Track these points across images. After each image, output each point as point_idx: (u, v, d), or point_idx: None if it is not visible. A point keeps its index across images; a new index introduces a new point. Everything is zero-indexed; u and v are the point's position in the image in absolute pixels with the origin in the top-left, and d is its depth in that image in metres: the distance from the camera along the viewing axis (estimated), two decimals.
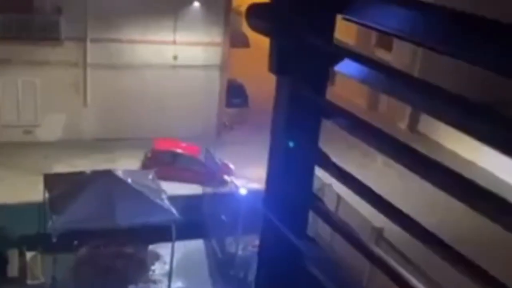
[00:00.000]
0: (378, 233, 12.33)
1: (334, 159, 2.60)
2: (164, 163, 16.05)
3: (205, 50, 21.63)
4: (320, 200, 2.83)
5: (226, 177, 16.27)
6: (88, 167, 14.74)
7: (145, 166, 16.29)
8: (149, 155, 16.98)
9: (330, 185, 14.42)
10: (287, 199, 2.53)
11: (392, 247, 12.32)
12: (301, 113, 2.51)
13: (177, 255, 13.18)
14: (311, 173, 2.78)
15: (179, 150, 16.93)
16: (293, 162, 2.52)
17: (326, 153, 2.65)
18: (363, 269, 10.91)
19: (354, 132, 2.48)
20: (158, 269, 14.08)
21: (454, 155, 21.48)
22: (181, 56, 21.20)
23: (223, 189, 15.60)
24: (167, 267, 13.47)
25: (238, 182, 15.66)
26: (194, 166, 16.12)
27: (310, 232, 2.88)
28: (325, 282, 2.32)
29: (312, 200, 2.69)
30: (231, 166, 16.95)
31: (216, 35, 21.74)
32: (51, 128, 20.08)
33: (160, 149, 17.28)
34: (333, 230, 2.70)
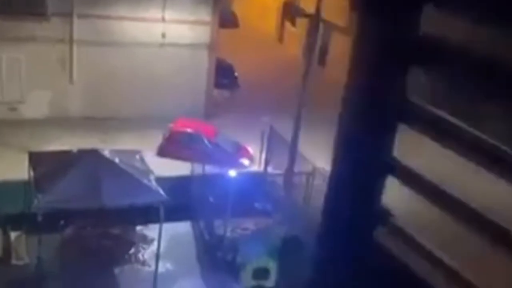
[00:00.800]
0: None
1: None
2: (180, 144, 15.81)
3: (193, 28, 21.33)
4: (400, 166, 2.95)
5: (244, 160, 16.07)
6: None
7: (162, 146, 16.04)
8: (166, 135, 16.75)
9: (322, 168, 14.34)
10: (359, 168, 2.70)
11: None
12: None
13: (164, 237, 13.05)
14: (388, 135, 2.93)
15: (196, 132, 16.62)
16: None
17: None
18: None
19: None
20: (145, 250, 13.96)
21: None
22: (169, 34, 20.89)
23: (213, 171, 15.43)
24: (154, 248, 13.34)
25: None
26: (211, 148, 15.91)
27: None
28: (396, 254, 2.38)
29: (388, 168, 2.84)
30: (250, 149, 16.74)
31: (205, 14, 21.43)
32: (36, 105, 19.74)
33: (177, 129, 16.99)
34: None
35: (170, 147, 15.41)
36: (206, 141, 15.76)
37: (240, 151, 16.35)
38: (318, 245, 3.20)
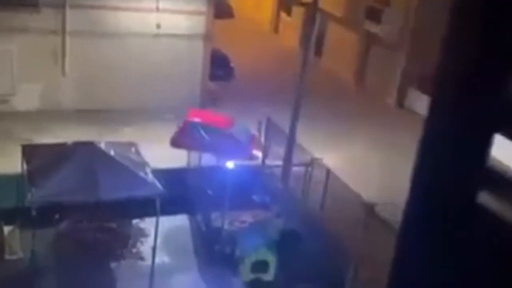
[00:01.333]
0: (370, 209, 12.17)
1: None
2: (194, 134, 15.66)
3: (188, 19, 21.11)
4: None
5: (257, 152, 15.88)
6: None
7: (176, 137, 15.92)
8: (180, 125, 16.61)
9: (320, 159, 14.25)
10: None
11: (383, 222, 12.20)
12: None
13: (161, 230, 12.90)
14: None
15: (210, 122, 16.45)
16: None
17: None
18: None
19: None
20: (142, 244, 13.80)
21: None
22: (164, 24, 20.68)
23: (210, 163, 15.26)
24: (151, 242, 13.18)
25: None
26: (224, 139, 15.72)
27: None
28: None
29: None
30: (262, 141, 16.54)
31: (200, 4, 21.23)
32: (28, 97, 19.51)
33: (191, 120, 16.80)
34: None
35: (184, 138, 15.30)
36: (220, 132, 15.63)
37: (254, 142, 16.17)
38: (409, 212, 3.04)
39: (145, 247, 13.63)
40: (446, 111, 3.15)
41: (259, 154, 15.89)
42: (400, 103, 24.26)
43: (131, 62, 20.61)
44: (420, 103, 23.40)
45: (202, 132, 15.25)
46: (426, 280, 3.31)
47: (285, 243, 13.83)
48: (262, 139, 16.81)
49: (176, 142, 15.47)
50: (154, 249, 12.88)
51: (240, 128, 16.21)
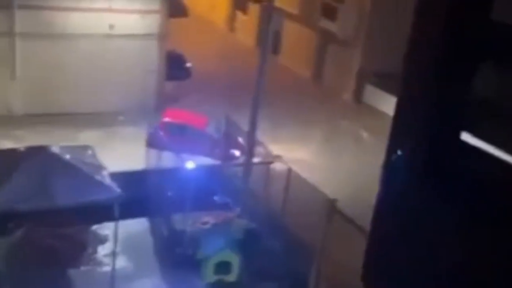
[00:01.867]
0: (331, 205, 12.25)
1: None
2: (170, 134, 15.55)
3: (142, 18, 20.90)
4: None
5: (235, 151, 15.83)
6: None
7: (151, 137, 15.78)
8: (155, 126, 16.48)
9: (281, 157, 14.28)
10: None
11: (346, 218, 12.30)
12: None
13: (121, 235, 12.69)
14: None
15: (186, 122, 16.33)
16: None
17: None
18: None
19: None
20: (101, 250, 13.56)
21: None
22: (117, 24, 20.42)
23: (169, 164, 15.11)
24: (110, 247, 12.97)
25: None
26: (201, 139, 15.63)
27: None
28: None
29: None
30: (241, 140, 16.52)
31: (154, 3, 21.03)
32: None
33: (167, 120, 16.65)
34: None
35: (160, 139, 15.22)
36: (195, 132, 15.54)
37: (231, 142, 16.16)
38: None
39: (105, 252, 13.40)
40: (413, 108, 3.26)
41: (237, 153, 15.90)
42: (357, 99, 24.58)
43: (84, 64, 20.25)
44: (377, 98, 23.77)
45: (179, 132, 15.22)
46: (411, 217, 3.42)
47: (248, 243, 13.81)
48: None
49: (152, 143, 15.42)
50: (114, 254, 12.68)
51: (216, 127, 16.24)
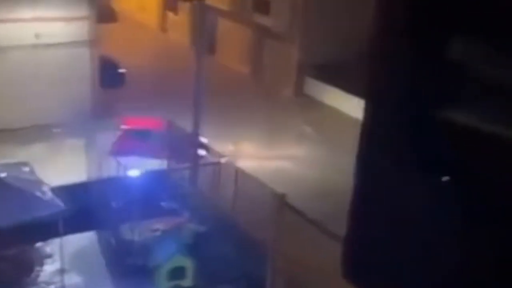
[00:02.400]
0: (281, 199, 12.35)
1: None
2: (133, 141, 15.35)
3: (70, 25, 20.41)
4: None
5: (200, 151, 15.74)
6: None
7: (115, 146, 15.49)
8: (118, 134, 16.22)
9: (228, 157, 14.29)
10: None
11: (295, 211, 12.43)
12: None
13: (68, 251, 12.43)
14: None
15: (147, 127, 16.16)
16: None
17: None
18: None
19: None
20: (48, 268, 13.20)
21: (339, 113, 22.32)
22: (44, 34, 19.87)
23: (112, 173, 14.87)
24: (58, 264, 12.66)
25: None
26: (165, 142, 15.49)
27: None
28: None
29: None
30: (204, 139, 16.46)
31: (81, 9, 20.58)
32: None
33: (127, 127, 16.44)
34: None
35: (124, 146, 15.08)
36: (158, 136, 15.47)
37: (195, 142, 16.16)
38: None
39: (53, 270, 13.06)
40: (386, 86, 3.32)
41: (202, 153, 15.89)
42: (298, 92, 24.84)
43: (12, 77, 19.62)
44: (318, 90, 24.09)
45: (142, 138, 15.15)
46: (391, 203, 3.45)
47: (200, 247, 13.77)
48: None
49: (116, 151, 15.30)
50: (62, 272, 12.40)
51: (179, 130, 16.14)
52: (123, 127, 16.70)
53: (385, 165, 3.56)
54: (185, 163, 15.54)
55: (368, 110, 3.78)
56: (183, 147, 15.60)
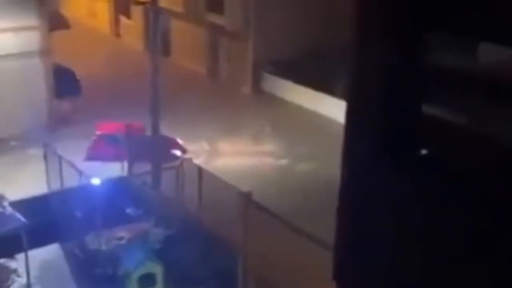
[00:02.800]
0: (247, 197, 12.42)
1: None
2: (107, 145, 15.41)
3: (20, 35, 20.08)
4: None
5: (176, 152, 15.80)
6: None
7: (89, 151, 15.85)
8: (94, 139, 16.29)
9: (189, 159, 14.28)
10: None
11: (261, 208, 12.51)
12: None
13: (34, 265, 12.26)
14: None
15: (122, 131, 16.21)
16: None
17: None
18: None
19: None
20: (14, 284, 13.00)
21: (299, 107, 22.55)
22: None
23: (72, 183, 14.69)
24: (24, 280, 12.48)
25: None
26: (138, 145, 15.55)
27: None
28: None
29: None
30: (179, 140, 16.50)
31: (30, 18, 20.27)
32: None
33: (103, 133, 16.49)
34: None
35: (101, 151, 15.15)
36: (132, 139, 15.54)
37: (170, 143, 16.24)
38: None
39: (18, 286, 12.87)
40: (367, 84, 3.39)
41: (178, 153, 15.93)
42: (256, 89, 24.96)
43: None
44: (275, 86, 24.27)
45: (119, 141, 15.24)
46: (380, 201, 3.50)
47: (168, 251, 13.74)
48: (123, 149, 16.54)
49: (92, 156, 15.38)
50: (28, 286, 12.23)
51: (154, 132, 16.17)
52: (98, 132, 16.91)
53: (371, 164, 3.64)
54: (165, 163, 15.68)
55: (349, 107, 3.84)
56: (162, 148, 15.72)
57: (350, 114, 3.84)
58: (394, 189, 3.76)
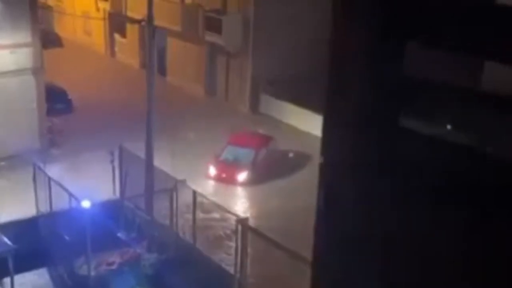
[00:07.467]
0: (243, 223, 12.21)
1: None
2: None
3: (13, 53, 19.97)
4: None
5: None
6: None
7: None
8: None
9: (183, 181, 14.04)
10: None
11: (258, 234, 12.32)
12: None
13: None
14: None
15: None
16: None
17: None
18: None
19: None
20: None
21: (293, 128, 22.53)
22: None
23: (63, 206, 14.43)
24: None
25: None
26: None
27: None
28: None
29: None
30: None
31: (24, 36, 20.18)
32: None
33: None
34: None
35: None
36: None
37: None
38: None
39: None
40: (345, 96, 3.33)
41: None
42: (253, 108, 24.88)
43: None
44: (272, 107, 24.22)
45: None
46: (355, 203, 3.44)
47: (161, 277, 13.47)
48: (117, 170, 16.31)
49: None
50: None
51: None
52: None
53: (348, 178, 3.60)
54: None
55: (326, 124, 3.80)
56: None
57: (326, 125, 3.84)
58: (370, 201, 3.75)
